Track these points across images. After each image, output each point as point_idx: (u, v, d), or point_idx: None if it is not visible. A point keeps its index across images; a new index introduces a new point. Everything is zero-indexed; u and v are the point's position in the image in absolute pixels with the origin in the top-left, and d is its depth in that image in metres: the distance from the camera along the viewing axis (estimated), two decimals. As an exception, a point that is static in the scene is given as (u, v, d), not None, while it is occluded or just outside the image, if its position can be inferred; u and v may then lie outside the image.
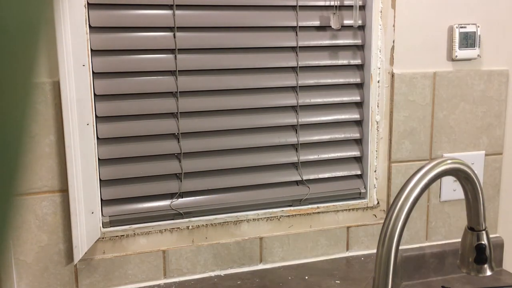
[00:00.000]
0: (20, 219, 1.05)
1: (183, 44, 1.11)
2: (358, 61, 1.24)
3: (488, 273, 0.79)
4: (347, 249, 1.30)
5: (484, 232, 0.77)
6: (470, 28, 1.26)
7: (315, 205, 1.24)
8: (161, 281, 1.16)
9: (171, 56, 1.11)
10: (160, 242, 1.15)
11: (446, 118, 1.29)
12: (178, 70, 1.11)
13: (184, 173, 1.15)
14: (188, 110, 1.14)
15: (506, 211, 1.37)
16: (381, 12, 1.20)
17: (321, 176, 1.25)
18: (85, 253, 1.08)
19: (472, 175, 0.71)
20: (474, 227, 0.77)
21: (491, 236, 1.22)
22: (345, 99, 1.25)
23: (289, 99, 1.20)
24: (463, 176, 0.72)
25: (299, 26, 1.18)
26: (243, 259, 1.21)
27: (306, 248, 1.25)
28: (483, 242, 0.77)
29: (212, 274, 1.19)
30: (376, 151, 1.25)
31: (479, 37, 1.27)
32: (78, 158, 1.04)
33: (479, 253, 0.77)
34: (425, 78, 1.26)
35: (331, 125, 1.25)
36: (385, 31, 1.21)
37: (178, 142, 1.14)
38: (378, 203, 1.27)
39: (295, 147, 1.23)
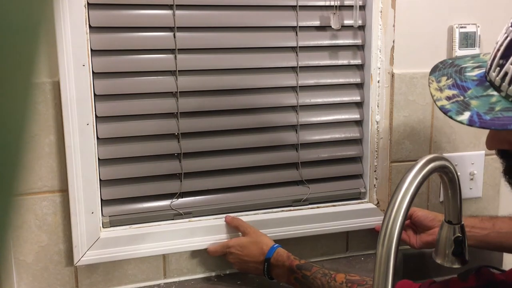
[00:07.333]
0: (20, 219, 1.05)
1: (183, 44, 1.11)
2: (358, 61, 1.24)
3: (462, 264, 0.83)
4: (347, 249, 1.30)
5: (459, 225, 0.81)
6: (470, 28, 1.26)
7: (315, 205, 1.24)
8: (161, 281, 1.16)
9: (171, 56, 1.11)
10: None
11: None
12: (178, 70, 1.11)
13: (184, 173, 1.15)
14: (188, 110, 1.14)
15: (506, 211, 1.37)
16: (381, 12, 1.20)
17: (321, 176, 1.25)
18: (85, 253, 1.08)
19: (453, 170, 0.75)
20: (452, 221, 0.81)
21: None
22: (345, 99, 1.25)
23: (289, 99, 1.20)
24: (448, 172, 0.75)
25: (299, 26, 1.18)
26: (243, 259, 1.20)
27: (306, 248, 1.25)
28: (460, 235, 0.81)
29: (212, 274, 1.19)
30: (376, 151, 1.25)
31: (479, 37, 1.27)
32: (78, 158, 1.04)
33: (457, 246, 0.81)
34: (425, 78, 1.26)
35: (331, 125, 1.25)
36: (385, 31, 1.21)
37: (178, 142, 1.14)
38: (378, 203, 1.27)
39: (295, 147, 1.23)
